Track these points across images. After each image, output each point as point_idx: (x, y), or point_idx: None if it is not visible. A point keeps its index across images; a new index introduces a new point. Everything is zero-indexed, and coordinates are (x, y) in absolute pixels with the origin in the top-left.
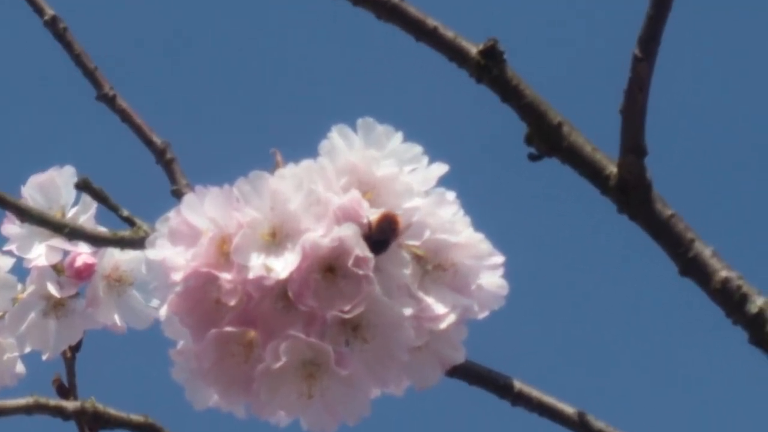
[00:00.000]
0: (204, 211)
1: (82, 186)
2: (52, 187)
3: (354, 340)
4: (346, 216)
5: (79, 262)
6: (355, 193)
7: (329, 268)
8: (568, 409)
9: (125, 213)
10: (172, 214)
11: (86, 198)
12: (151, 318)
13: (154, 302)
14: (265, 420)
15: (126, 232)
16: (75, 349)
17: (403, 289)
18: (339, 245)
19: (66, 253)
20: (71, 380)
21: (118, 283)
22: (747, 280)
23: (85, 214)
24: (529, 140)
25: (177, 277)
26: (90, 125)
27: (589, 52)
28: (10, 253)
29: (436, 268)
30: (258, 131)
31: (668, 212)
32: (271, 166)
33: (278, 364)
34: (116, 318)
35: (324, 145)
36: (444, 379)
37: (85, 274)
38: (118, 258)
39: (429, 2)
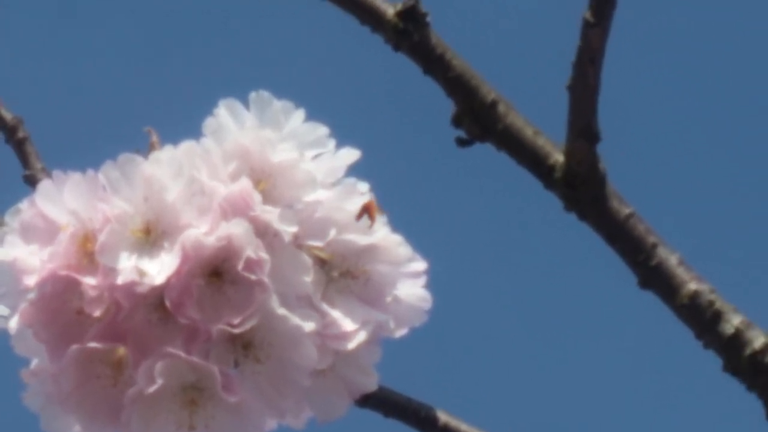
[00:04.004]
0: (63, 201)
1: None
2: None
3: (245, 360)
4: (234, 210)
5: None
6: (245, 182)
7: (215, 272)
8: None
9: None
10: (24, 205)
11: None
12: None
13: (3, 311)
14: None
15: None
16: None
17: (304, 300)
18: (226, 245)
19: None
20: None
21: None
22: (721, 294)
23: None
24: (457, 121)
25: (30, 281)
26: None
27: (531, 17)
28: None
29: (344, 275)
30: (128, 105)
31: (626, 211)
32: (145, 149)
33: (153, 388)
34: None
35: (209, 124)
36: (353, 409)
37: None
38: None
39: None
